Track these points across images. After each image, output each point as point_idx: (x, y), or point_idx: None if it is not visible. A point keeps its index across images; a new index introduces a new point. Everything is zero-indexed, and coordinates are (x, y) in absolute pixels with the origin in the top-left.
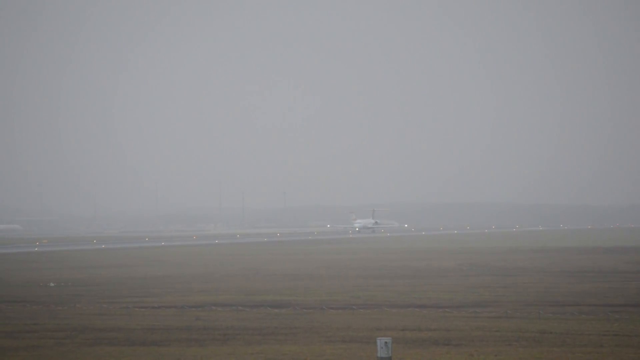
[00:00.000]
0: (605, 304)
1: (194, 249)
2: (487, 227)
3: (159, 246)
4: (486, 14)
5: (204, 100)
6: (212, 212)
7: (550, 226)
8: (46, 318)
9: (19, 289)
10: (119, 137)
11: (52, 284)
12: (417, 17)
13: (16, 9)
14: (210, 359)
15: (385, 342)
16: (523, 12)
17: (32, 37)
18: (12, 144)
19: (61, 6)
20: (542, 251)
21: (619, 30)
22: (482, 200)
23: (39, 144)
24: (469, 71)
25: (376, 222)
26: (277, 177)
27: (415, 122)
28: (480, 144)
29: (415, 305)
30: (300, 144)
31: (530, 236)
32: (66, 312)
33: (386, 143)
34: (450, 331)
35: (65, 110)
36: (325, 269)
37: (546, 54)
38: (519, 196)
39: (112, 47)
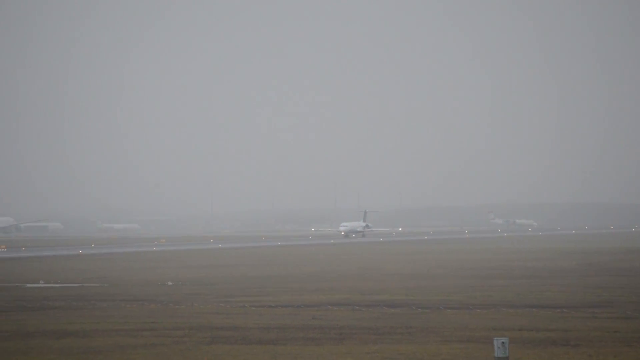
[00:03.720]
0: None
1: (309, 249)
2: (605, 227)
3: (275, 246)
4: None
5: (316, 100)
6: (327, 212)
7: None
8: (164, 316)
9: (137, 288)
10: (236, 139)
11: (170, 283)
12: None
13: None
14: (327, 357)
15: (502, 342)
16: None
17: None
18: (128, 145)
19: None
20: None
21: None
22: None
23: (157, 144)
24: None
25: (367, 225)
26: (393, 177)
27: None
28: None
29: (533, 305)
30: (415, 143)
31: None
32: (184, 310)
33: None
34: (568, 331)
35: (185, 110)
36: (440, 269)
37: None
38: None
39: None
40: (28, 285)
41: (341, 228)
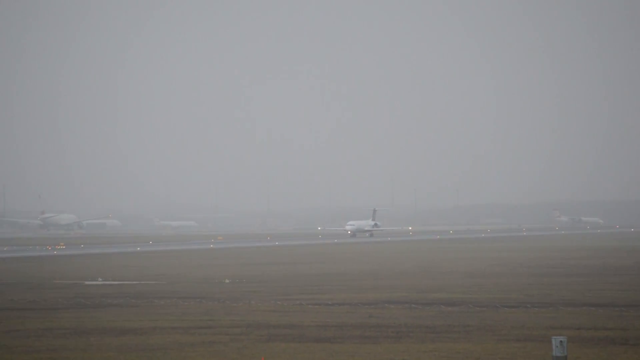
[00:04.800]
0: None
1: (366, 246)
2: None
3: (332, 243)
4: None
5: (371, 100)
6: (384, 209)
7: None
8: (221, 314)
9: (195, 285)
10: (292, 136)
11: (227, 281)
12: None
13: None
14: (384, 356)
15: (561, 341)
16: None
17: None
18: (183, 143)
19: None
20: None
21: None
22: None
23: (212, 142)
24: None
25: (376, 224)
26: (449, 174)
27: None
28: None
29: (591, 304)
30: (472, 139)
31: None
32: (241, 308)
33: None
34: (627, 330)
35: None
36: (498, 267)
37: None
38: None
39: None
40: (87, 282)
41: (347, 227)
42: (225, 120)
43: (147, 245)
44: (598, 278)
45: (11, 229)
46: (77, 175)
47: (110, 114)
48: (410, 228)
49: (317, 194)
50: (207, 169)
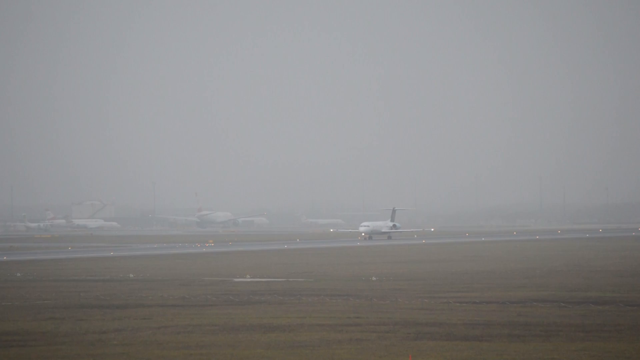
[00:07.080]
0: None
1: (514, 245)
2: None
3: (479, 241)
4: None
5: (508, 97)
6: (532, 207)
7: None
8: (369, 312)
9: (342, 283)
10: (435, 134)
11: (374, 278)
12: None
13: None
14: (532, 355)
15: None
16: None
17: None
18: (334, 144)
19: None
20: None
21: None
22: None
23: (363, 144)
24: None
25: (394, 225)
26: (597, 171)
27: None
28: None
29: None
30: (623, 132)
31: None
32: (388, 306)
33: None
34: None
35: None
36: None
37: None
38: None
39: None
40: (235, 279)
41: (361, 228)
42: (371, 120)
43: (294, 242)
44: None
45: (161, 226)
46: (229, 173)
47: (263, 115)
48: (432, 229)
49: (464, 193)
50: (354, 168)
